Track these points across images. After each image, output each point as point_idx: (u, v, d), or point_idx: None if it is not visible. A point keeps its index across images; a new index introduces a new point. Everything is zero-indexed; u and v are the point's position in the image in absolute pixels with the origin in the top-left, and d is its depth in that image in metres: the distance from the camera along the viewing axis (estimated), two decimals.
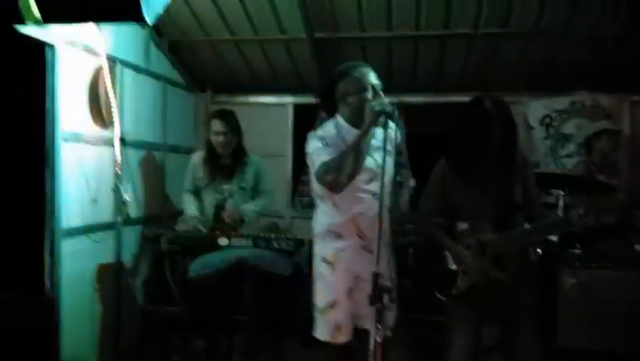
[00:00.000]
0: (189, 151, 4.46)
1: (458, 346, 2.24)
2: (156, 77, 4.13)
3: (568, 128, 4.41)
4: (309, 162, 2.29)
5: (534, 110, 4.49)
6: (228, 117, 3.42)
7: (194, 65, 4.58)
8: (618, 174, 3.72)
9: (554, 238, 2.96)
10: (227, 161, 3.41)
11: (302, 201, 4.87)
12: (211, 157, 3.42)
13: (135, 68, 3.81)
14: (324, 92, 2.37)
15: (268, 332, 3.17)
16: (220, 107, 3.85)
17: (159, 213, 4.01)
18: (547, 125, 4.47)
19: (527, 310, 2.22)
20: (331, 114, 2.36)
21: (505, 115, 2.17)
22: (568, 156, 4.37)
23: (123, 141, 3.35)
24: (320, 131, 2.29)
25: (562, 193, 3.13)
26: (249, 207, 3.34)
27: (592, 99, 4.38)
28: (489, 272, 2.16)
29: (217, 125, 3.38)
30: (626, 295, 2.73)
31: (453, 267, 2.27)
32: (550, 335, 2.72)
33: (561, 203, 3.07)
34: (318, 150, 2.21)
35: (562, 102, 4.45)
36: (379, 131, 2.18)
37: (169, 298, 3.27)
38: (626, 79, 4.15)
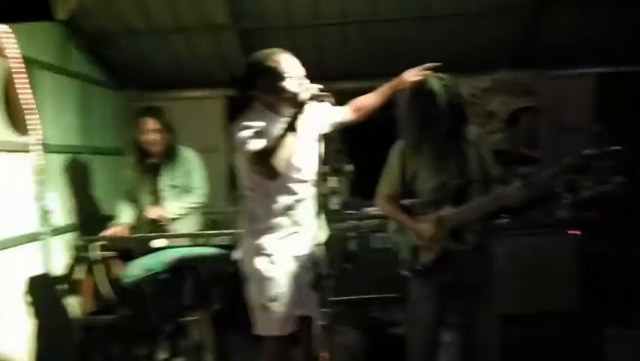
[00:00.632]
0: (116, 153, 4.28)
1: (420, 321, 2.33)
2: (76, 76, 3.91)
3: (492, 105, 4.60)
4: (238, 155, 2.24)
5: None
6: (157, 114, 3.31)
7: (116, 61, 4.38)
8: (538, 146, 3.94)
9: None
10: (156, 159, 3.29)
11: (240, 195, 4.79)
12: (141, 158, 3.30)
13: (53, 68, 3.59)
14: (244, 81, 2.32)
15: (214, 331, 3.12)
16: (147, 105, 3.72)
17: (89, 218, 3.83)
18: (471, 103, 4.64)
19: (487, 282, 2.34)
20: (252, 103, 2.31)
21: (452, 93, 2.25)
22: (492, 132, 4.57)
23: (44, 146, 3.16)
24: (245, 122, 2.23)
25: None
26: (174, 205, 3.24)
27: (512, 77, 4.59)
28: (449, 245, 2.24)
29: (146, 123, 3.25)
30: (551, 259, 2.90)
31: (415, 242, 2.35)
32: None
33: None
34: (247, 139, 2.17)
35: (484, 80, 4.63)
36: (308, 118, 2.18)
37: (106, 307, 3.14)
38: (544, 55, 4.38)
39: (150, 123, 3.25)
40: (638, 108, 3.64)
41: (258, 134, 2.17)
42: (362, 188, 3.67)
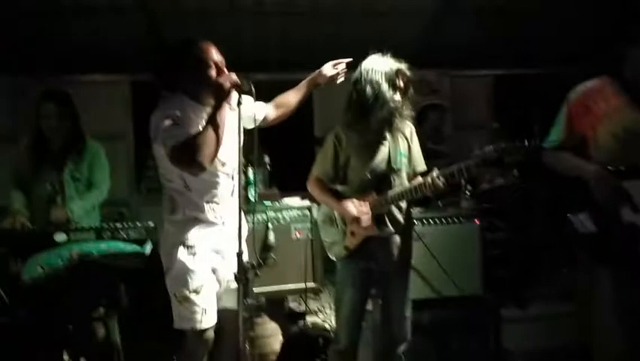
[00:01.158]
0: (9, 140, 3.90)
1: (346, 304, 2.42)
2: None
3: None
4: (156, 144, 2.13)
5: None
6: (60, 98, 3.04)
7: (15, 43, 3.97)
8: (444, 142, 4.18)
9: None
10: (57, 148, 3.03)
11: (149, 188, 4.59)
12: (39, 144, 3.02)
13: None
14: (163, 69, 2.23)
15: (126, 329, 2.96)
16: (48, 88, 3.41)
17: None
18: None
19: (405, 267, 2.48)
20: (172, 91, 2.21)
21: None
22: None
23: None
24: (166, 110, 2.12)
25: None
26: (77, 205, 3.00)
27: (418, 75, 4.80)
28: (373, 232, 2.34)
29: (46, 107, 2.97)
30: (459, 245, 3.10)
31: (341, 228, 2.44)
32: None
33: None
34: (168, 132, 2.06)
35: None
36: (231, 109, 2.13)
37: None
38: (447, 55, 4.64)
39: (50, 107, 2.98)
40: (530, 107, 3.98)
41: (179, 124, 2.07)
42: (279, 179, 3.69)
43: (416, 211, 3.20)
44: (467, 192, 3.55)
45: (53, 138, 3.01)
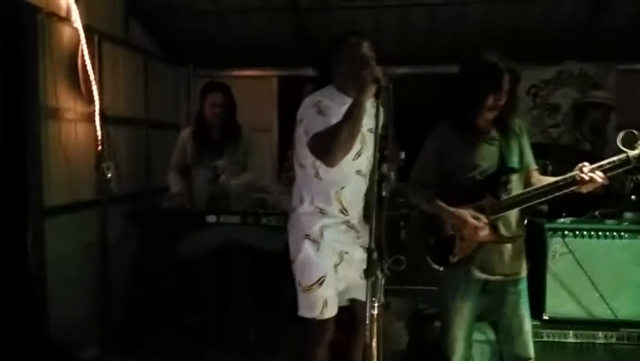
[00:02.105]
0: (171, 127, 4.36)
1: (456, 315, 2.26)
2: (135, 49, 3.99)
3: (555, 98, 4.41)
4: (299, 128, 2.21)
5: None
6: (226, 90, 3.34)
7: (175, 36, 4.41)
8: (606, 144, 3.73)
9: (544, 207, 2.97)
10: (218, 136, 3.32)
11: (289, 176, 4.80)
12: (202, 132, 3.33)
13: (114, 40, 3.66)
14: (319, 61, 2.32)
15: (259, 310, 3.15)
16: (211, 80, 3.74)
17: (142, 190, 3.93)
18: (533, 96, 4.46)
19: (522, 279, 2.25)
20: (325, 85, 2.29)
21: (515, 83, 2.17)
22: (555, 126, 4.38)
23: (103, 116, 3.25)
24: (315, 97, 2.21)
25: (548, 162, 3.14)
26: (235, 182, 3.27)
27: (579, 69, 4.37)
28: (488, 237, 2.16)
29: (215, 97, 3.29)
30: (617, 263, 2.75)
31: (449, 233, 2.26)
32: (539, 306, 2.73)
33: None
34: (312, 118, 2.14)
35: (549, 72, 4.43)
36: (369, 106, 2.12)
37: (152, 280, 3.19)
38: (613, 47, 4.14)
39: (218, 97, 3.28)
40: None
41: (324, 114, 2.13)
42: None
43: (567, 221, 2.91)
44: (632, 198, 3.14)
45: (214, 126, 3.30)
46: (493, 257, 2.20)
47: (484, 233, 2.15)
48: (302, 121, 2.19)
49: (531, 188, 2.18)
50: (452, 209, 2.21)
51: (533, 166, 2.30)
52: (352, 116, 2.03)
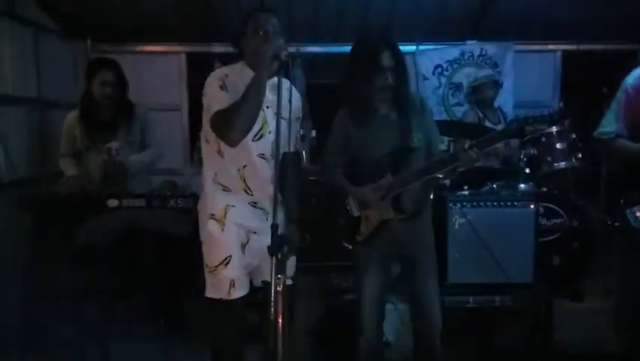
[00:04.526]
0: (69, 106, 4.06)
1: (367, 290, 2.32)
2: (23, 22, 3.64)
3: (459, 77, 4.61)
4: (204, 102, 2.15)
5: (427, 61, 4.62)
6: (116, 67, 3.13)
7: (68, 8, 4.07)
8: (504, 119, 3.97)
9: (446, 181, 3.12)
10: (109, 116, 3.12)
11: (200, 157, 4.66)
12: (91, 113, 3.11)
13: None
14: (233, 38, 2.25)
15: (168, 295, 3.05)
16: (102, 56, 3.51)
17: (37, 175, 3.64)
18: (438, 75, 4.63)
19: (427, 250, 2.34)
20: (237, 61, 2.23)
21: (398, 58, 2.19)
22: (459, 104, 4.59)
23: None
24: (225, 70, 2.16)
25: (451, 139, 3.31)
26: (135, 158, 3.11)
27: (480, 48, 4.59)
28: (389, 214, 2.22)
29: (106, 75, 3.07)
30: (511, 231, 2.95)
31: (356, 214, 2.32)
32: (441, 273, 2.88)
33: (451, 149, 3.22)
34: (214, 93, 2.08)
35: (452, 52, 4.61)
36: (272, 84, 2.08)
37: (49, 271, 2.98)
38: (511, 27, 4.37)
39: (109, 75, 3.07)
40: (599, 87, 3.69)
41: (226, 90, 2.07)
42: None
43: (466, 192, 3.08)
44: (526, 170, 3.39)
45: (104, 106, 3.09)
46: (400, 233, 2.27)
47: (385, 209, 2.21)
48: (205, 95, 2.13)
49: (422, 165, 2.24)
50: (354, 188, 2.28)
51: (438, 143, 2.34)
52: (250, 93, 2.00)
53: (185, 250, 2.93)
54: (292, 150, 2.27)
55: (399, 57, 2.20)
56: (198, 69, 4.52)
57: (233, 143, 2.05)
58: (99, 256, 2.78)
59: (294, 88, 2.24)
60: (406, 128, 2.23)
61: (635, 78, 2.24)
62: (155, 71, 4.42)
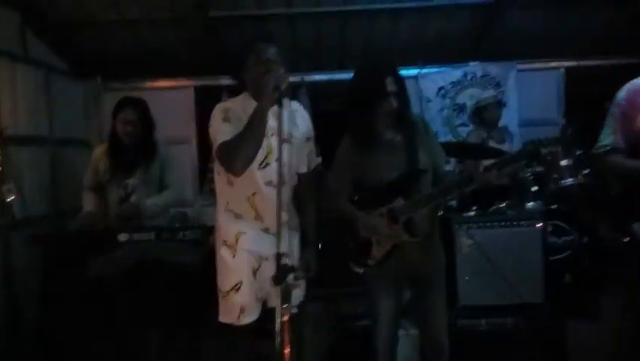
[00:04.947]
0: (82, 144, 4.17)
1: (381, 314, 2.31)
2: (36, 64, 3.77)
3: (462, 98, 4.65)
4: (210, 135, 2.22)
5: (430, 83, 4.67)
6: (138, 105, 3.21)
7: (79, 49, 4.23)
8: (510, 139, 3.98)
9: (454, 202, 3.12)
10: (132, 153, 3.19)
11: (211, 188, 4.71)
12: (115, 149, 3.18)
13: (10, 56, 3.45)
14: (234, 69, 2.32)
15: (182, 327, 3.06)
16: (121, 95, 3.60)
17: (49, 213, 3.72)
18: (442, 97, 4.67)
19: (438, 272, 2.33)
20: (241, 93, 2.30)
21: (401, 83, 2.21)
22: (464, 124, 4.61)
23: (1, 136, 3.05)
24: (228, 103, 2.23)
25: (457, 160, 3.32)
26: (151, 202, 3.13)
27: (482, 69, 4.63)
28: (402, 238, 2.21)
29: (127, 113, 3.14)
30: (519, 250, 2.93)
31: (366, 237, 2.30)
32: (452, 295, 2.86)
33: (457, 170, 3.23)
34: (217, 126, 2.15)
35: (455, 74, 4.66)
36: (275, 111, 2.13)
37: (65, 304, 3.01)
38: (512, 46, 4.41)
39: (130, 114, 3.14)
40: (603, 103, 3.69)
41: (230, 122, 2.14)
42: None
43: (472, 213, 3.07)
44: (532, 193, 3.37)
45: (128, 142, 3.16)
46: (410, 254, 2.26)
47: (398, 233, 2.20)
48: (210, 127, 2.21)
49: (434, 188, 2.23)
50: (365, 216, 2.25)
51: (443, 164, 2.35)
52: (253, 124, 2.05)
53: (194, 282, 2.97)
54: (306, 170, 2.31)
55: (401, 81, 2.23)
56: (207, 102, 4.61)
57: (237, 173, 2.11)
58: (109, 290, 2.81)
59: (301, 108, 2.30)
60: (413, 151, 2.24)
61: (626, 91, 2.27)
62: (165, 105, 4.49)
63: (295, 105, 2.27)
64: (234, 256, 2.22)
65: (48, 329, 2.98)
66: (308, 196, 2.37)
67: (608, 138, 2.32)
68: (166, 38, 4.19)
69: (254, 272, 2.23)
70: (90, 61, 4.35)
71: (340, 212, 2.34)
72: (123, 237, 2.90)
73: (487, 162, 2.12)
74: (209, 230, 2.94)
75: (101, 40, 4.16)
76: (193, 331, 3.16)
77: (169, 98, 4.61)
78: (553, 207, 3.41)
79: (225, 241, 2.24)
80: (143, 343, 2.98)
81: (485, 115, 3.95)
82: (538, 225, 2.96)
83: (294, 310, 1.94)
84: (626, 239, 2.33)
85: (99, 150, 3.28)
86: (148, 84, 4.59)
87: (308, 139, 2.33)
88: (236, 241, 2.22)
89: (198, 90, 4.71)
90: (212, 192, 4.61)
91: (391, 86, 2.18)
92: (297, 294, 2.21)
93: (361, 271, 2.34)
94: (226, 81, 4.58)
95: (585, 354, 2.78)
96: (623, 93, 2.28)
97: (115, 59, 4.36)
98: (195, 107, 4.71)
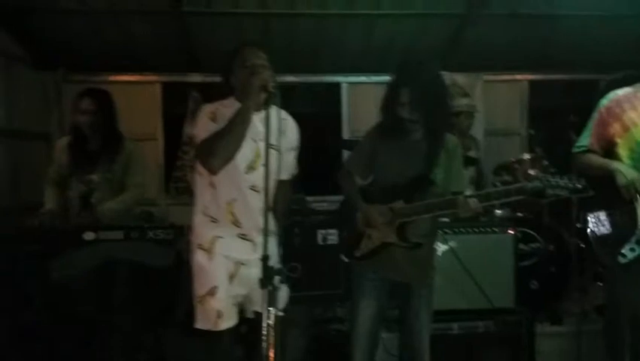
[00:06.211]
0: (41, 137, 3.97)
1: (360, 315, 2.32)
2: None
3: None
4: (194, 136, 2.18)
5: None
6: (98, 95, 3.07)
7: (39, 38, 4.03)
8: (477, 148, 4.07)
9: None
10: (96, 146, 3.05)
11: (178, 187, 4.60)
12: (77, 142, 3.05)
13: None
14: (222, 71, 2.29)
15: (148, 329, 2.95)
16: (82, 87, 3.44)
17: (7, 207, 3.51)
18: None
19: (426, 280, 2.36)
20: (227, 95, 2.27)
21: (415, 93, 2.22)
22: None
23: None
24: (216, 105, 2.20)
25: None
26: (110, 206, 2.99)
27: (450, 79, 4.71)
28: (391, 239, 2.24)
29: (84, 103, 3.01)
30: (491, 256, 3.00)
31: (360, 228, 2.34)
32: None
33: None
34: (204, 125, 2.13)
35: None
36: (259, 117, 2.10)
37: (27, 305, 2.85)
38: (477, 59, 4.53)
39: (87, 103, 3.01)
40: (566, 114, 3.85)
41: (214, 121, 2.11)
42: (305, 185, 3.62)
43: (446, 219, 3.11)
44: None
45: (90, 135, 3.03)
46: (400, 260, 2.28)
47: (389, 232, 2.23)
48: (195, 127, 2.18)
49: (435, 199, 2.22)
50: (365, 206, 2.31)
51: (454, 188, 2.28)
52: (235, 122, 2.04)
53: (165, 283, 2.87)
54: (284, 178, 2.28)
55: (417, 92, 2.21)
56: (174, 99, 4.50)
57: (214, 170, 2.09)
58: (74, 291, 2.68)
59: (290, 118, 2.28)
60: (432, 159, 2.26)
61: (608, 100, 2.43)
62: (130, 100, 4.36)
63: (284, 114, 2.24)
64: (210, 260, 2.17)
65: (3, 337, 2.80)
66: (280, 202, 2.33)
67: (585, 139, 2.48)
68: (132, 31, 4.06)
69: (231, 277, 2.18)
70: (53, 51, 4.16)
71: (348, 195, 2.43)
72: (88, 235, 2.77)
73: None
74: (180, 230, 2.86)
75: (63, 29, 3.98)
76: (159, 333, 3.07)
77: (135, 94, 4.46)
78: (520, 214, 3.50)
79: (200, 245, 2.19)
80: (108, 344, 2.86)
81: (457, 124, 3.99)
82: (510, 231, 3.04)
83: (280, 313, 1.90)
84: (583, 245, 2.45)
85: (62, 143, 3.14)
86: (113, 78, 4.43)
87: (291, 148, 2.32)
88: (212, 245, 2.18)
89: (165, 86, 4.59)
90: (178, 192, 4.58)
91: (404, 97, 2.21)
92: (283, 297, 2.18)
93: (346, 259, 2.40)
94: (195, 78, 4.50)
95: (552, 358, 2.87)
96: (605, 101, 2.43)
97: (79, 50, 4.19)
98: (162, 104, 4.58)
